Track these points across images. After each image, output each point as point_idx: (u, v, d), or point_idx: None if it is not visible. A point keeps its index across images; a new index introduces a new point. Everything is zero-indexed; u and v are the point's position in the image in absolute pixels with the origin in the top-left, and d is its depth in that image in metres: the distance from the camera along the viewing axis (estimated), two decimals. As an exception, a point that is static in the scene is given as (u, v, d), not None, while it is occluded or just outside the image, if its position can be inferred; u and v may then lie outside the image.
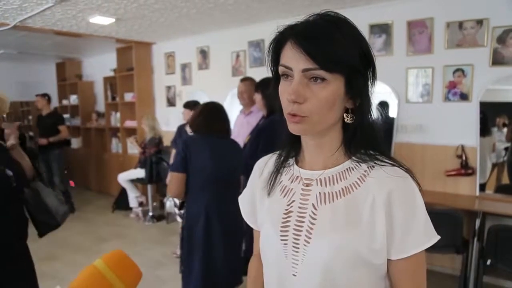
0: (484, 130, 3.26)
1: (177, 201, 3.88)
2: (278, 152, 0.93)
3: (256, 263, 1.03)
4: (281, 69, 0.77)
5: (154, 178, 4.87)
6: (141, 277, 0.84)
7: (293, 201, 0.83)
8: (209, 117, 2.39)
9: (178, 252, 3.90)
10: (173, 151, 4.11)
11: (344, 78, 0.73)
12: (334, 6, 3.46)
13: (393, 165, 0.78)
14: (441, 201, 3.12)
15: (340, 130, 0.81)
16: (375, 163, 0.78)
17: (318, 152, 0.83)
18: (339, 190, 0.79)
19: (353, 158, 0.81)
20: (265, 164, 0.96)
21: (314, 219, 0.78)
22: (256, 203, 0.96)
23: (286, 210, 0.83)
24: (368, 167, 0.79)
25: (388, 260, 0.77)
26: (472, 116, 3.25)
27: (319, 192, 0.80)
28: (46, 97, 5.42)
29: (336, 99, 0.74)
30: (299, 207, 0.82)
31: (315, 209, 0.79)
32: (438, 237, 0.76)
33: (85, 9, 3.68)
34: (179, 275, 2.39)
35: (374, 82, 0.78)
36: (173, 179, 2.30)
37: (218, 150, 2.32)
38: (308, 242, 0.77)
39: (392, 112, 3.69)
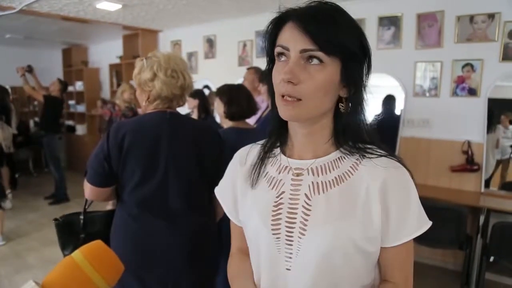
0: (489, 126, 3.24)
1: None
2: (260, 143, 0.91)
3: (236, 261, 0.96)
4: (277, 49, 0.75)
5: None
6: (123, 271, 0.80)
7: (283, 192, 0.80)
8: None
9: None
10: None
11: (340, 63, 0.73)
12: (343, -3, 3.39)
13: (385, 156, 0.77)
14: (445, 196, 3.11)
15: (331, 119, 0.80)
16: (364, 154, 0.78)
17: (308, 140, 0.81)
18: (332, 179, 0.77)
19: (341, 149, 0.80)
20: (247, 154, 0.92)
21: (309, 210, 0.76)
22: (237, 195, 0.90)
23: (276, 202, 0.80)
24: (359, 155, 0.78)
25: (380, 247, 0.77)
26: (480, 112, 3.22)
27: (312, 182, 0.78)
28: (62, 85, 5.30)
29: (331, 84, 0.73)
30: (290, 198, 0.79)
31: (309, 199, 0.77)
32: (430, 223, 0.77)
33: (92, -6, 3.67)
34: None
35: (368, 75, 0.78)
36: None
37: None
38: (303, 234, 0.75)
39: (399, 106, 3.67)
